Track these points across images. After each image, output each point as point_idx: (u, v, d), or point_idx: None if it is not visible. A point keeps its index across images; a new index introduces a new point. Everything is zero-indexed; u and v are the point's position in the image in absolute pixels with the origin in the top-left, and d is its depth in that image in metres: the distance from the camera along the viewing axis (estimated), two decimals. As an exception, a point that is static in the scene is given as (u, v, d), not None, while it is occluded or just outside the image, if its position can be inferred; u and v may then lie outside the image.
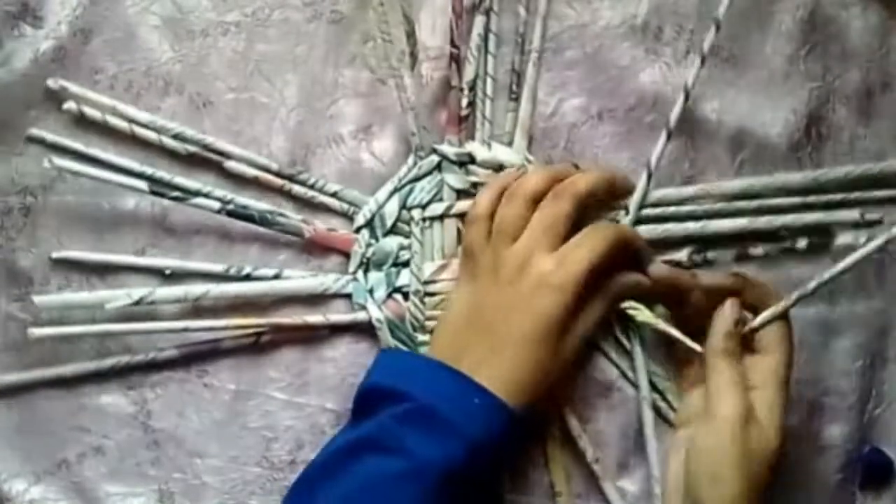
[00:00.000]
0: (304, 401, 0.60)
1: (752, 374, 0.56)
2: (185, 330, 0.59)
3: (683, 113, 0.60)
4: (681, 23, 0.62)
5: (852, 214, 0.61)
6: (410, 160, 0.61)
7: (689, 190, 0.61)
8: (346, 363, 0.61)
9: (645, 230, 0.60)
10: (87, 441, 0.60)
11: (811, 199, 0.61)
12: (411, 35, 0.57)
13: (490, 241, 0.57)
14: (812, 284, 0.56)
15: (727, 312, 0.56)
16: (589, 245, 0.55)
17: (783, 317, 0.57)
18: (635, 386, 0.60)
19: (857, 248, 0.57)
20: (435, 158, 0.61)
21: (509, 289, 0.55)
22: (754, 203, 0.61)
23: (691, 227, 0.61)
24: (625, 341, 0.60)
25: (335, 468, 0.51)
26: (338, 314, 0.60)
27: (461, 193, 0.61)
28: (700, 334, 0.57)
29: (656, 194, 0.61)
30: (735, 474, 0.53)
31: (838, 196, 0.61)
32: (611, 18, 0.62)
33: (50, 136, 0.59)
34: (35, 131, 0.60)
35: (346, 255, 0.61)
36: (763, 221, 0.61)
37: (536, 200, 0.57)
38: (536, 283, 0.54)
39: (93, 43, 0.60)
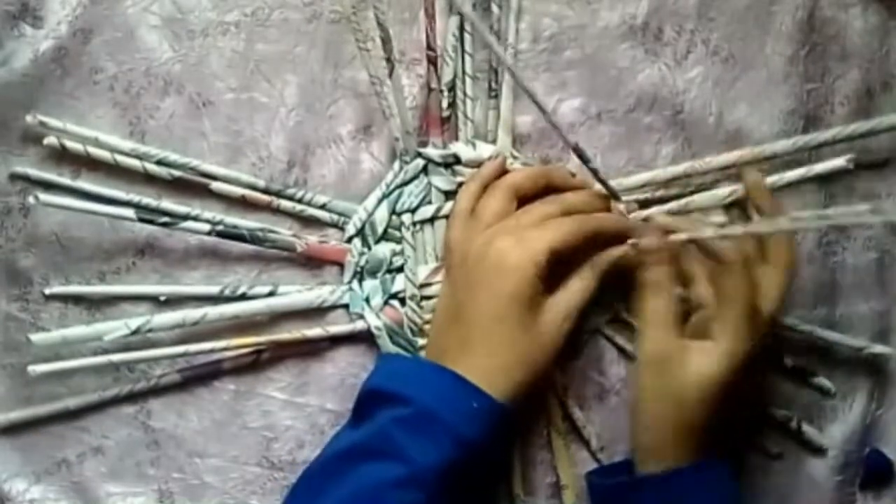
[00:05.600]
0: (304, 401, 0.60)
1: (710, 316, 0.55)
2: (185, 354, 0.59)
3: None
4: (681, 23, 0.62)
5: (839, 162, 0.60)
6: (396, 165, 0.61)
7: (678, 168, 0.61)
8: (346, 363, 0.61)
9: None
10: (86, 441, 0.60)
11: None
12: (387, 42, 0.57)
13: (465, 236, 0.57)
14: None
15: (643, 244, 0.56)
16: (553, 227, 0.55)
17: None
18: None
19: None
20: (420, 162, 0.61)
21: (475, 273, 0.55)
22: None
23: (674, 206, 0.61)
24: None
25: (335, 473, 0.51)
26: (336, 325, 0.60)
27: (449, 195, 0.61)
28: None
29: (643, 176, 0.61)
30: (646, 408, 0.54)
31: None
32: (610, 19, 0.61)
33: (34, 173, 0.59)
34: (19, 168, 0.59)
35: (341, 266, 0.61)
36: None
37: (518, 196, 0.57)
38: (495, 263, 0.54)
39: (93, 43, 0.60)
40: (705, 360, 0.53)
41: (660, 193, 0.61)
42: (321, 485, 0.51)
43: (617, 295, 0.61)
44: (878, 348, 0.63)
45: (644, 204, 0.61)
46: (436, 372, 0.53)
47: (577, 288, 0.56)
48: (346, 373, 0.61)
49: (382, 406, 0.52)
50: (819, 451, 0.63)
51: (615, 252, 0.57)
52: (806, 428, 0.62)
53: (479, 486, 0.54)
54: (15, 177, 0.60)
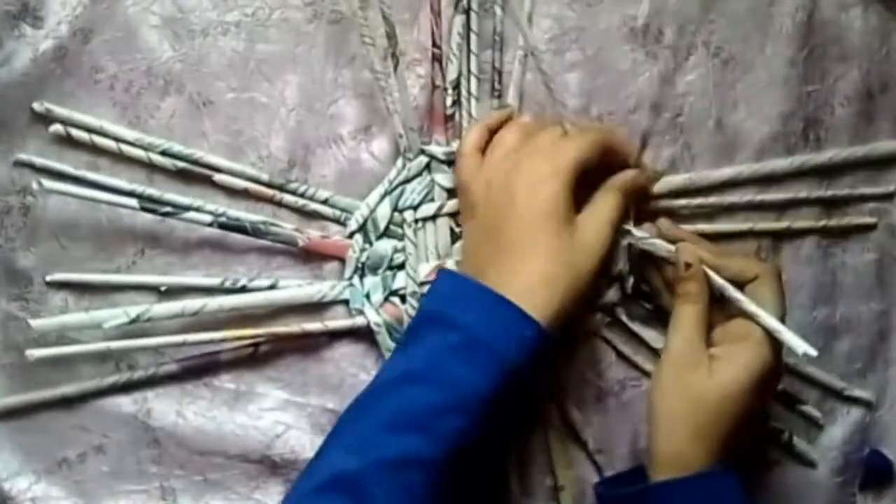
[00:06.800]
0: (304, 401, 0.61)
1: (736, 327, 0.55)
2: (184, 344, 0.59)
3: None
4: (681, 25, 0.61)
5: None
6: (399, 162, 0.61)
7: (676, 180, 0.61)
8: (346, 363, 0.61)
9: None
10: (87, 440, 0.60)
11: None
12: (392, 37, 0.57)
13: (482, 169, 0.57)
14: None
15: (679, 257, 0.56)
16: (575, 139, 0.55)
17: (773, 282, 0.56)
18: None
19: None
20: (424, 159, 0.61)
21: (507, 191, 0.54)
22: (746, 198, 0.62)
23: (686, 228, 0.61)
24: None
25: (383, 394, 0.51)
26: (336, 320, 0.60)
27: (452, 192, 0.60)
28: None
29: None
30: (664, 407, 0.54)
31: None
32: (610, 21, 0.61)
33: (38, 160, 0.59)
34: (23, 156, 0.60)
35: (342, 261, 0.61)
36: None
37: (531, 134, 0.57)
38: (528, 178, 0.54)
39: (93, 42, 0.60)
40: (731, 365, 0.53)
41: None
42: (369, 404, 0.51)
43: (615, 297, 0.61)
44: (858, 392, 0.63)
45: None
46: (487, 297, 0.52)
47: (604, 201, 0.56)
48: (346, 373, 0.61)
49: (434, 329, 0.52)
50: (810, 464, 0.63)
51: (630, 173, 0.58)
52: (797, 441, 0.62)
53: (516, 410, 0.53)
54: (19, 164, 0.59)
